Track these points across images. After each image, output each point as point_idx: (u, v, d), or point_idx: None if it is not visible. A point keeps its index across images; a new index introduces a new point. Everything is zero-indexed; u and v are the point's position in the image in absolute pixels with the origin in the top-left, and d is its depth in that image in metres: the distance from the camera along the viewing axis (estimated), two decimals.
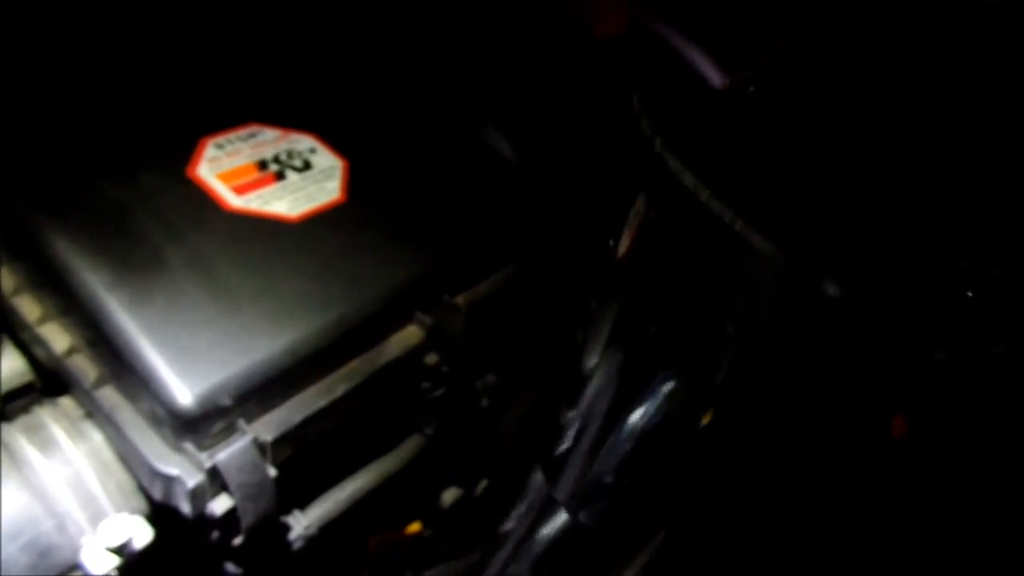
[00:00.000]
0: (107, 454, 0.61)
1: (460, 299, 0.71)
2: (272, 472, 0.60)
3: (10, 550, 0.56)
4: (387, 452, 0.74)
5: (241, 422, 0.59)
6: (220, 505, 0.58)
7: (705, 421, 0.48)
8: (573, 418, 0.53)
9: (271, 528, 0.64)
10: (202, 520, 0.59)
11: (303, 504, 0.68)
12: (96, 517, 0.58)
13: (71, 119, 0.71)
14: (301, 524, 0.67)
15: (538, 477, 0.55)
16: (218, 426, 0.59)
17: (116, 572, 0.56)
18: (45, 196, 0.64)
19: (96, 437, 0.61)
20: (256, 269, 0.64)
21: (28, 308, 0.63)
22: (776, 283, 0.40)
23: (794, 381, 0.46)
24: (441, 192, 0.77)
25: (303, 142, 0.76)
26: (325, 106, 0.81)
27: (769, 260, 0.37)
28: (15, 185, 0.65)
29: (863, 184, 0.38)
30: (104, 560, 0.55)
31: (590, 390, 0.52)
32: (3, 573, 0.56)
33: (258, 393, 0.60)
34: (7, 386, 0.63)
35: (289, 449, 0.62)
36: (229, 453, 0.58)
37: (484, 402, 0.79)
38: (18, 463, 0.59)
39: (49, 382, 0.64)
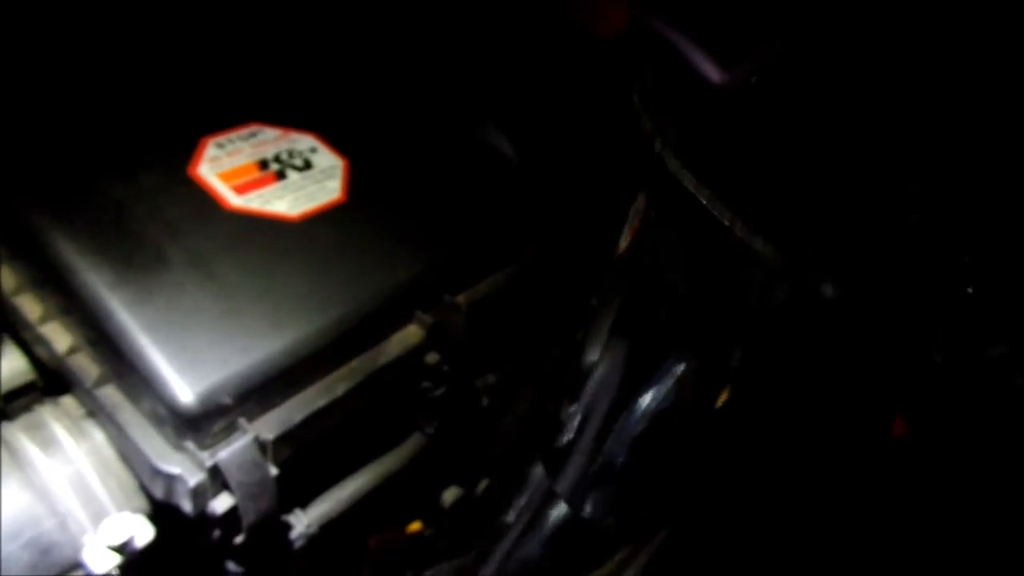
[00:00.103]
0: (108, 453, 0.61)
1: (461, 298, 0.71)
2: (273, 471, 0.60)
3: (11, 548, 0.56)
4: (388, 451, 0.74)
5: (242, 421, 0.60)
6: (221, 504, 0.59)
7: (711, 408, 0.48)
8: (575, 411, 0.53)
9: (272, 527, 0.64)
10: (203, 519, 0.59)
11: (304, 503, 0.68)
12: (97, 516, 0.58)
13: (72, 119, 0.71)
14: (302, 523, 0.67)
15: (539, 471, 0.55)
16: (219, 425, 0.59)
17: (117, 571, 0.56)
18: (46, 195, 0.65)
19: (97, 436, 0.61)
20: (257, 268, 0.65)
21: (29, 307, 0.63)
22: (774, 284, 0.40)
23: (792, 384, 0.46)
24: (442, 191, 0.77)
25: (304, 141, 0.76)
26: (326, 106, 0.81)
27: (767, 262, 0.37)
28: (16, 184, 0.65)
29: (863, 185, 0.38)
30: (105, 559, 0.55)
31: (592, 382, 0.52)
32: (4, 571, 0.56)
33: (259, 392, 0.60)
34: (8, 385, 0.63)
35: (290, 448, 0.62)
36: (230, 452, 0.58)
37: (484, 401, 0.79)
38: (20, 462, 0.59)
39: (50, 381, 0.64)
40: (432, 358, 0.71)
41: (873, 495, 0.58)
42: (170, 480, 0.57)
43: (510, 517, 0.58)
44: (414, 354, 0.69)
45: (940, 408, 0.46)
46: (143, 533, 0.57)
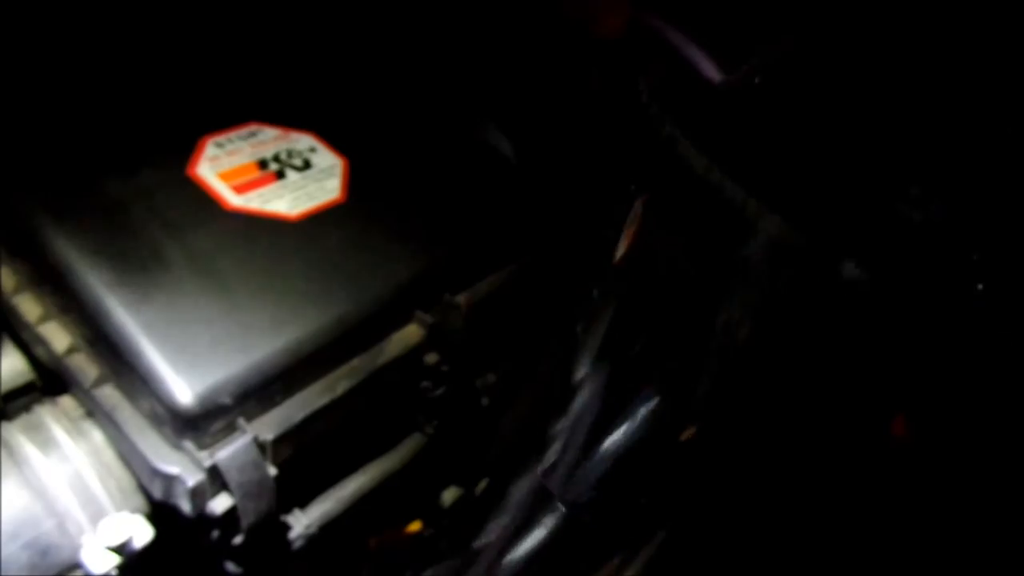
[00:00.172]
0: (107, 453, 0.61)
1: (460, 298, 0.71)
2: (272, 471, 0.60)
3: (10, 549, 0.56)
4: (387, 451, 0.74)
5: (241, 421, 0.59)
6: (220, 504, 0.58)
7: (685, 437, 0.48)
8: (563, 427, 0.53)
9: (271, 527, 0.64)
10: (202, 519, 0.59)
11: (303, 503, 0.68)
12: (96, 516, 0.58)
13: (72, 118, 0.71)
14: (301, 523, 0.67)
15: (536, 473, 0.55)
16: (218, 425, 0.59)
17: (116, 571, 0.56)
18: (46, 195, 0.64)
19: (96, 436, 0.61)
20: (256, 268, 0.64)
21: (28, 307, 0.63)
22: (782, 271, 0.40)
23: (795, 379, 0.46)
24: (441, 191, 0.77)
25: (303, 141, 0.76)
26: (325, 105, 0.81)
27: (781, 243, 0.37)
28: (16, 183, 0.65)
29: (874, 171, 0.38)
30: (104, 559, 0.55)
31: (578, 401, 0.52)
32: (3, 572, 0.56)
33: (258, 392, 0.60)
34: (7, 385, 0.63)
35: (289, 448, 0.62)
36: (229, 452, 0.58)
37: (484, 401, 0.79)
38: (18, 462, 0.59)
39: (49, 381, 0.64)
40: (432, 358, 0.70)
41: (873, 495, 0.58)
42: (169, 480, 0.57)
43: (506, 518, 0.57)
44: (414, 354, 0.69)
45: (943, 407, 0.46)
46: (142, 533, 0.57)
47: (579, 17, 0.86)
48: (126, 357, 0.58)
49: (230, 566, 0.64)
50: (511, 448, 0.79)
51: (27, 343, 0.65)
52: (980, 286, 0.36)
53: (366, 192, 0.73)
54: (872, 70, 0.40)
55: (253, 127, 0.76)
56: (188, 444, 0.58)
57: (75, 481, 0.59)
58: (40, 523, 0.57)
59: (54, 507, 0.58)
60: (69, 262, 0.61)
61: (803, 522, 0.60)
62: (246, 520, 0.60)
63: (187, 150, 0.71)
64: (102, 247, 0.62)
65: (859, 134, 0.39)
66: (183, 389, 0.57)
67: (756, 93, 0.41)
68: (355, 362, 0.66)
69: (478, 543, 0.60)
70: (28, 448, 0.59)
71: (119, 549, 0.56)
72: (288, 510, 0.67)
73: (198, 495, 0.57)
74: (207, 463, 0.57)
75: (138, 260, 0.62)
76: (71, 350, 0.62)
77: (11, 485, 0.58)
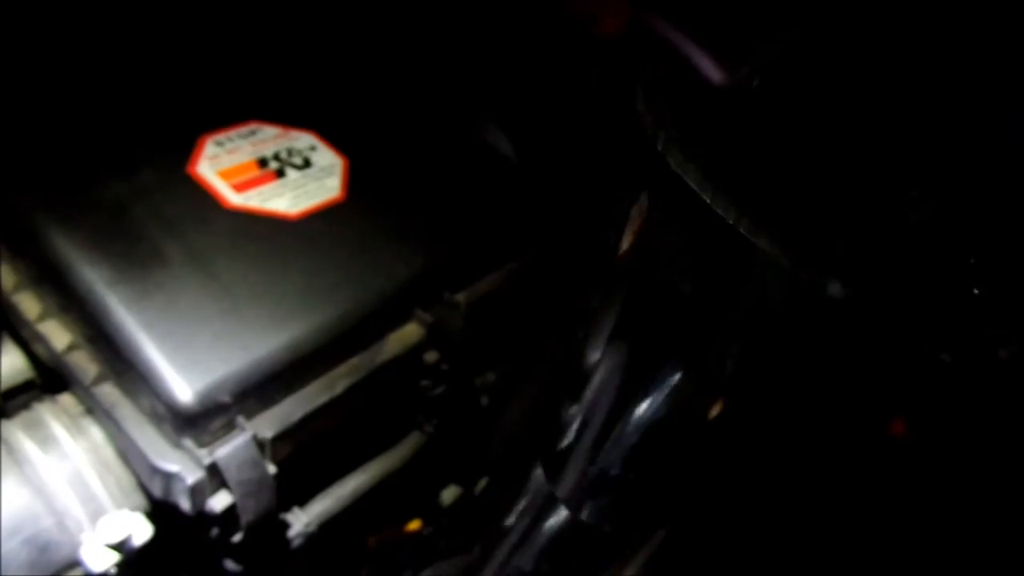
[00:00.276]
0: (107, 451, 0.61)
1: (460, 296, 0.71)
2: (272, 469, 0.60)
3: (10, 546, 0.56)
4: (387, 450, 0.74)
5: (241, 419, 0.60)
6: (220, 502, 0.58)
7: (712, 414, 0.48)
8: (575, 414, 0.53)
9: (271, 525, 0.64)
10: (202, 517, 0.59)
11: (303, 501, 0.68)
12: (96, 514, 0.58)
13: (72, 117, 0.71)
14: (301, 521, 0.67)
15: (539, 474, 0.55)
16: (218, 423, 0.59)
17: (116, 569, 0.56)
18: (46, 194, 0.65)
19: (96, 434, 0.61)
20: (256, 266, 0.65)
21: (28, 305, 0.63)
22: (780, 284, 0.40)
23: (795, 384, 0.46)
24: (441, 190, 0.77)
25: (303, 140, 0.76)
26: (325, 104, 0.81)
27: (773, 260, 0.37)
28: (16, 182, 0.65)
29: (869, 184, 0.38)
30: (104, 557, 0.55)
31: (593, 385, 0.51)
32: (3, 569, 0.56)
33: (258, 390, 0.60)
34: (7, 383, 0.63)
35: (289, 446, 0.62)
36: (229, 450, 0.58)
37: (484, 400, 0.79)
38: (18, 460, 0.59)
39: (49, 379, 0.64)
40: (431, 356, 0.70)
41: (873, 495, 0.58)
42: (168, 478, 0.57)
43: (510, 520, 0.57)
44: (413, 352, 0.69)
45: (943, 409, 0.46)
46: (141, 531, 0.57)
47: (579, 17, 0.86)
48: (126, 355, 0.59)
49: (229, 564, 0.64)
50: (511, 447, 0.79)
51: (27, 341, 0.65)
52: (976, 291, 0.36)
53: (366, 191, 0.73)
54: (872, 70, 0.40)
55: (253, 125, 0.76)
56: (188, 442, 0.58)
57: (75, 479, 0.59)
58: (40, 520, 0.57)
59: (54, 504, 0.58)
60: (69, 260, 0.61)
61: (803, 521, 0.60)
62: (245, 518, 0.60)
63: (187, 148, 0.71)
64: (102, 245, 0.62)
65: (859, 134, 0.39)
66: (183, 387, 0.57)
67: (754, 94, 0.41)
68: (355, 360, 0.66)
69: (480, 542, 0.60)
70: (28, 445, 0.59)
71: (118, 547, 0.56)
72: (287, 508, 0.67)
73: (197, 493, 0.57)
74: (207, 461, 0.57)
75: (138, 258, 0.62)
76: (71, 348, 0.62)
77: (11, 483, 0.58)
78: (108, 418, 0.60)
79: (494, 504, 0.63)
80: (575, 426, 0.53)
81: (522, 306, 0.78)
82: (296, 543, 0.67)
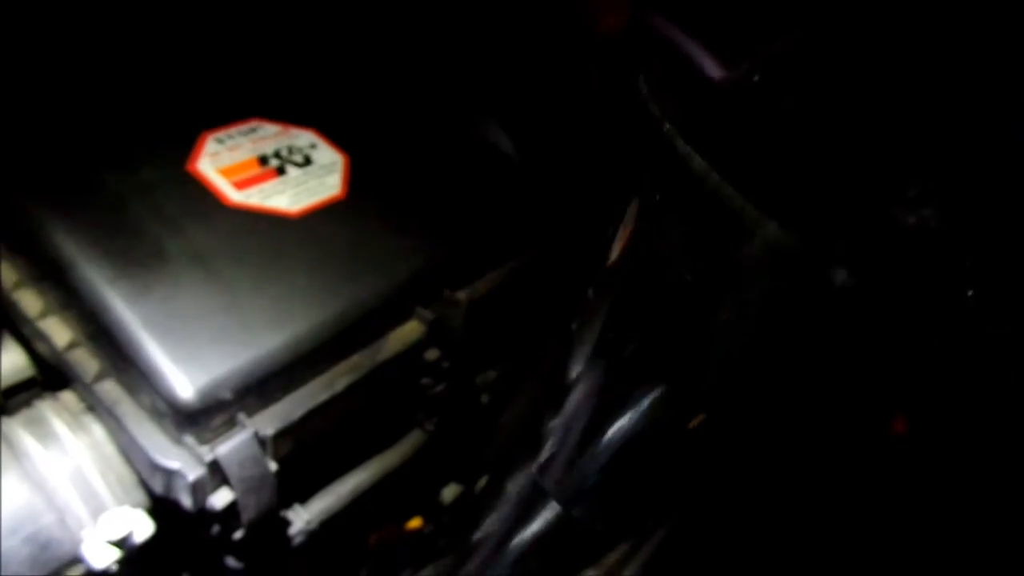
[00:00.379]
0: (108, 448, 0.61)
1: (461, 294, 0.71)
2: (273, 466, 0.60)
3: (11, 543, 0.56)
4: (388, 447, 0.74)
5: (242, 416, 0.60)
6: (221, 499, 0.59)
7: (691, 426, 0.48)
8: (557, 425, 0.53)
9: (272, 522, 0.64)
10: (203, 514, 0.59)
11: (304, 499, 0.68)
12: (97, 510, 0.58)
13: (72, 114, 0.71)
14: (302, 519, 0.67)
15: (530, 471, 0.55)
16: (219, 420, 0.59)
17: (117, 565, 0.56)
18: (46, 190, 0.65)
19: (97, 431, 0.61)
20: (256, 264, 0.65)
21: (29, 302, 0.63)
22: (782, 272, 0.40)
23: (792, 380, 0.46)
24: (442, 188, 0.77)
25: (304, 137, 0.76)
26: (326, 101, 0.81)
27: (776, 248, 0.37)
28: (16, 179, 0.65)
29: (872, 176, 0.38)
30: (105, 553, 0.55)
31: (571, 400, 0.52)
32: (4, 566, 0.56)
33: (259, 387, 0.60)
34: (8, 380, 0.63)
35: (290, 443, 0.62)
36: (230, 447, 0.58)
37: (484, 398, 0.79)
38: (19, 457, 0.59)
39: (50, 376, 0.64)
40: (432, 354, 0.71)
41: (872, 494, 0.58)
42: (169, 475, 0.57)
43: (502, 514, 0.58)
44: (414, 350, 0.69)
45: (942, 406, 0.46)
46: (142, 528, 0.57)
47: (579, 16, 0.86)
48: (127, 352, 0.59)
49: (230, 561, 0.64)
50: (510, 445, 0.79)
51: (28, 338, 0.65)
52: (970, 292, 0.36)
53: (367, 188, 0.74)
54: (872, 70, 0.40)
55: (254, 123, 0.76)
56: (189, 439, 0.58)
57: (76, 475, 0.59)
58: (41, 517, 0.57)
59: (55, 501, 0.58)
60: (70, 257, 0.61)
61: (803, 521, 0.60)
62: (246, 515, 0.60)
63: (187, 146, 0.71)
64: (103, 242, 0.62)
65: (858, 134, 0.39)
66: (184, 384, 0.57)
67: (754, 91, 0.41)
68: (355, 358, 0.66)
69: (474, 538, 0.60)
70: (29, 442, 0.59)
71: (119, 543, 0.56)
72: (288, 505, 0.67)
73: (199, 490, 0.57)
74: (208, 458, 0.57)
75: (138, 256, 0.62)
76: (72, 345, 0.62)
77: (12, 479, 0.58)
78: (109, 415, 0.60)
79: (490, 500, 0.63)
80: (558, 436, 0.53)
81: (523, 304, 0.78)
82: (297, 540, 0.67)
